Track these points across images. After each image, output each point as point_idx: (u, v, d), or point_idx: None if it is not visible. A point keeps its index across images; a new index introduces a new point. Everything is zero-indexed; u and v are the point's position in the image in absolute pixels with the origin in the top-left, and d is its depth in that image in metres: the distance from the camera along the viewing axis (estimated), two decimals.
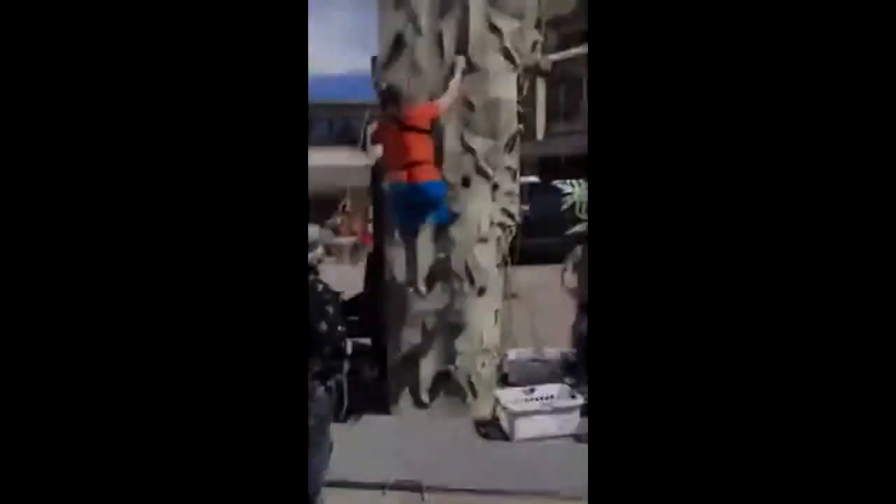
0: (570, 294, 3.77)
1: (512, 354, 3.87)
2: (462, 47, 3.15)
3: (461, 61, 3.10)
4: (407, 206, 3.02)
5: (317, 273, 2.26)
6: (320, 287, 2.17)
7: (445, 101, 3.01)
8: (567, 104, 14.13)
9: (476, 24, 3.11)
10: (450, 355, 3.31)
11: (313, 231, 2.48)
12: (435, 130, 3.05)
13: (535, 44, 3.30)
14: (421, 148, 2.90)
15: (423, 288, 3.26)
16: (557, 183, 11.61)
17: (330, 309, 2.15)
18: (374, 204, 3.87)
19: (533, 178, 12.13)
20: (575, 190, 11.56)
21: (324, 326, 2.12)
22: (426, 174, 2.91)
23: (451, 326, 3.30)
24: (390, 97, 2.95)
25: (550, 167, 13.09)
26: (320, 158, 16.69)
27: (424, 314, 3.32)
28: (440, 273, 3.30)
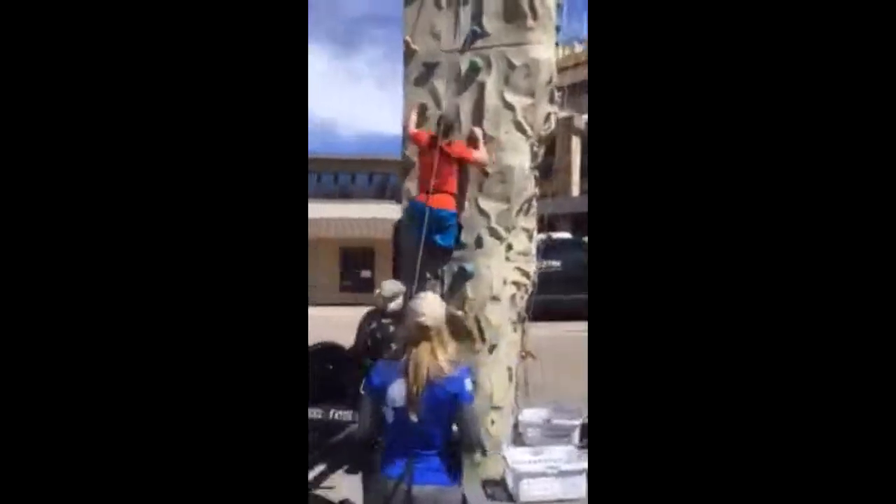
0: None
1: (526, 414, 3.86)
2: (478, 120, 3.40)
3: (478, 132, 3.36)
4: (418, 223, 3.31)
5: (393, 316, 2.64)
6: (391, 328, 2.53)
7: (480, 155, 3.32)
8: None
9: (491, 101, 3.37)
10: None
11: (400, 286, 2.90)
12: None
13: (548, 116, 3.52)
14: (450, 179, 3.26)
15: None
16: None
17: (393, 346, 2.47)
18: (394, 258, 4.09)
19: (566, 235, 12.18)
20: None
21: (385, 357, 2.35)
22: (443, 202, 3.24)
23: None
24: (445, 128, 3.29)
25: (586, 223, 13.14)
26: (359, 211, 17.37)
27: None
28: (453, 330, 3.41)
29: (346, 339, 3.13)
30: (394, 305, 2.87)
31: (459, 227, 3.38)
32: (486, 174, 3.40)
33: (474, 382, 2.13)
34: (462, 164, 3.31)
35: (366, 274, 17.13)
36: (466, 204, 3.43)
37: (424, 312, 1.86)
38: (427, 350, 1.80)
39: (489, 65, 3.37)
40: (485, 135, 3.39)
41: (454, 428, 1.85)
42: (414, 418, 1.77)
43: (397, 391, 1.80)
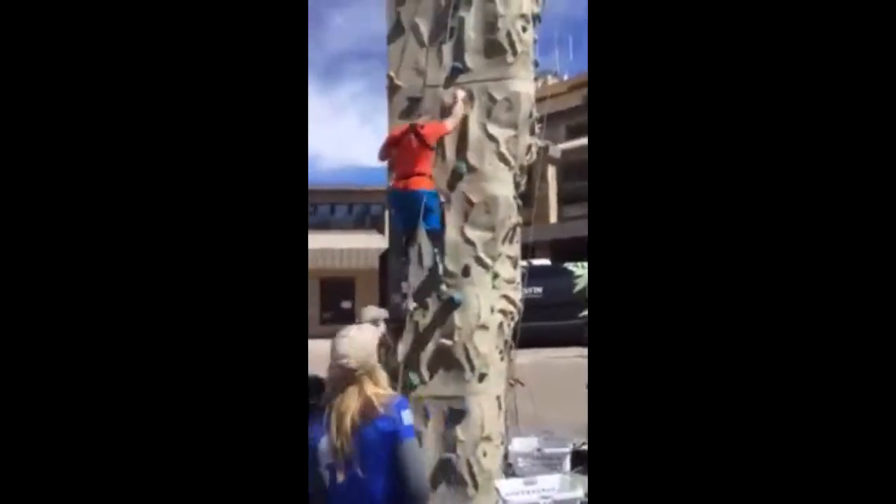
0: None
1: (516, 444, 3.83)
2: (462, 152, 3.48)
3: (461, 95, 3.38)
4: (402, 209, 3.34)
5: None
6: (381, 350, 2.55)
7: (451, 122, 3.35)
8: (581, 189, 14.71)
9: (474, 132, 3.46)
10: (450, 444, 3.32)
11: (379, 311, 2.89)
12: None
13: (529, 147, 3.62)
14: (424, 162, 3.28)
15: (425, 373, 3.36)
16: (569, 265, 11.78)
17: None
18: (380, 288, 4.08)
19: (545, 261, 12.34)
20: (586, 272, 11.69)
21: None
22: (423, 184, 3.27)
23: (451, 412, 3.34)
24: (411, 108, 3.34)
25: (565, 250, 13.36)
26: (338, 241, 17.31)
27: (424, 400, 3.37)
28: (441, 359, 3.40)
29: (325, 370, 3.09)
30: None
31: (441, 206, 3.40)
32: (470, 204, 3.45)
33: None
34: (439, 141, 3.33)
35: (346, 305, 16.96)
36: (454, 233, 3.46)
37: (347, 353, 1.56)
38: (353, 395, 1.54)
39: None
40: (468, 164, 3.46)
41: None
42: (340, 477, 1.49)
43: (324, 448, 1.54)
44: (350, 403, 1.54)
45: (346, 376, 1.57)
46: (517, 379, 3.87)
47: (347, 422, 1.52)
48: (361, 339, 1.63)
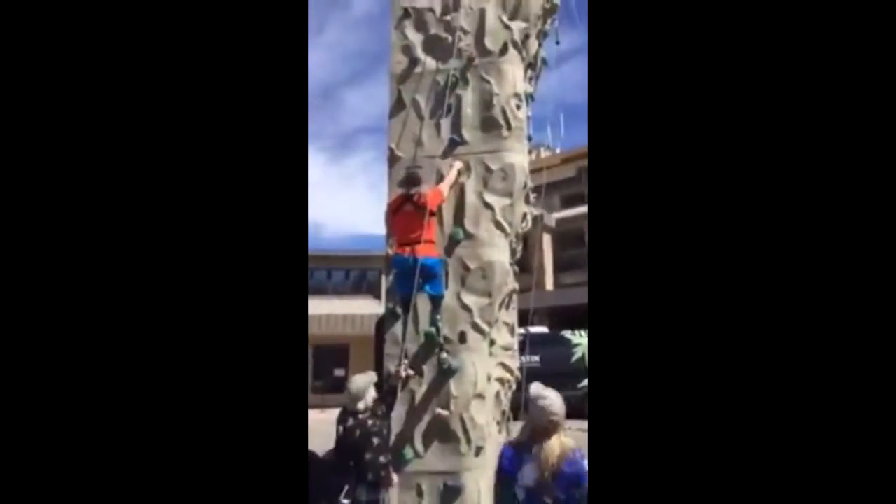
0: None
1: None
2: (459, 220, 3.57)
3: (457, 165, 3.53)
4: (404, 275, 3.33)
5: (367, 411, 2.58)
6: (370, 422, 2.48)
7: (445, 185, 3.48)
8: (576, 257, 14.90)
9: (470, 200, 3.57)
10: None
11: (368, 377, 2.83)
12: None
13: (524, 215, 3.72)
14: (426, 228, 3.34)
15: (420, 446, 3.23)
16: (567, 333, 11.63)
17: (375, 440, 2.46)
18: (375, 354, 4.01)
19: (542, 329, 12.19)
20: (584, 340, 11.50)
21: (369, 455, 2.44)
22: (427, 251, 3.30)
23: (446, 490, 3.18)
24: (410, 181, 3.42)
25: (562, 317, 13.28)
26: (334, 307, 17.18)
27: (419, 475, 3.22)
28: (437, 431, 3.28)
29: (318, 444, 2.95)
30: (361, 404, 2.72)
31: (446, 274, 3.42)
32: (467, 270, 3.48)
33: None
34: (438, 207, 3.42)
35: (339, 373, 16.51)
36: (450, 299, 3.47)
37: (558, 412, 2.13)
38: (557, 442, 2.10)
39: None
40: (465, 231, 3.53)
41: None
42: (548, 500, 2.06)
43: (528, 474, 2.09)
44: (555, 448, 2.09)
45: (552, 429, 2.12)
46: None
47: (553, 461, 2.07)
48: (560, 400, 2.19)
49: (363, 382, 2.79)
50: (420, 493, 3.19)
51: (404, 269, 3.34)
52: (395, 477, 2.79)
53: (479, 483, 3.21)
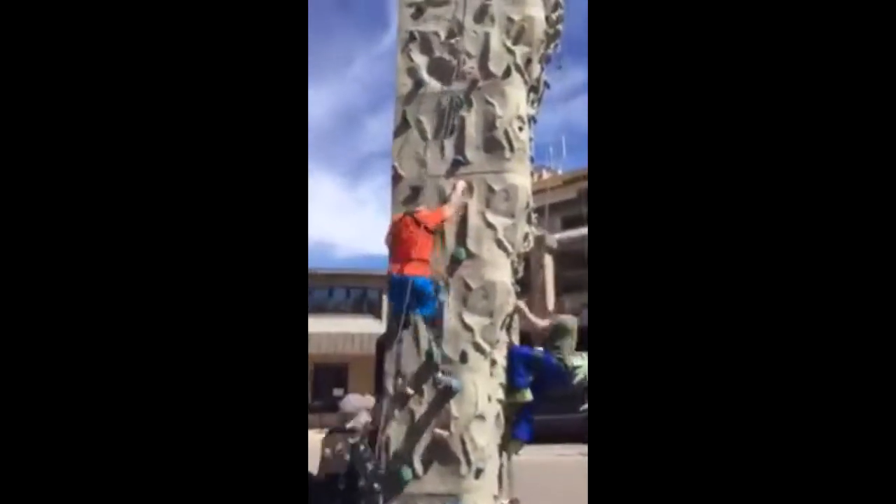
0: None
1: None
2: (461, 240, 3.59)
3: (461, 185, 3.54)
4: (396, 294, 3.32)
5: (361, 435, 2.57)
6: (362, 447, 2.46)
7: (450, 208, 3.48)
8: (577, 279, 14.87)
9: (473, 220, 3.59)
10: None
11: (364, 401, 2.81)
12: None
13: (526, 235, 3.73)
14: (423, 247, 3.33)
15: (419, 467, 3.18)
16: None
17: (369, 466, 2.35)
18: (376, 373, 3.97)
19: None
20: (585, 363, 11.37)
21: (362, 482, 2.47)
22: (417, 269, 3.29)
23: None
24: (412, 196, 3.43)
25: None
26: (334, 326, 17.07)
27: (418, 497, 3.16)
28: (436, 452, 3.24)
29: (316, 465, 2.91)
30: (353, 422, 2.73)
31: (437, 293, 3.39)
32: (469, 289, 3.48)
33: None
34: (437, 229, 3.42)
35: (338, 392, 16.32)
36: (452, 318, 3.46)
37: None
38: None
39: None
40: (468, 251, 3.54)
41: None
42: None
43: None
44: None
45: None
46: (515, 499, 3.65)
47: None
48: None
49: (358, 403, 2.77)
50: None
51: (394, 288, 3.35)
52: None
53: None
